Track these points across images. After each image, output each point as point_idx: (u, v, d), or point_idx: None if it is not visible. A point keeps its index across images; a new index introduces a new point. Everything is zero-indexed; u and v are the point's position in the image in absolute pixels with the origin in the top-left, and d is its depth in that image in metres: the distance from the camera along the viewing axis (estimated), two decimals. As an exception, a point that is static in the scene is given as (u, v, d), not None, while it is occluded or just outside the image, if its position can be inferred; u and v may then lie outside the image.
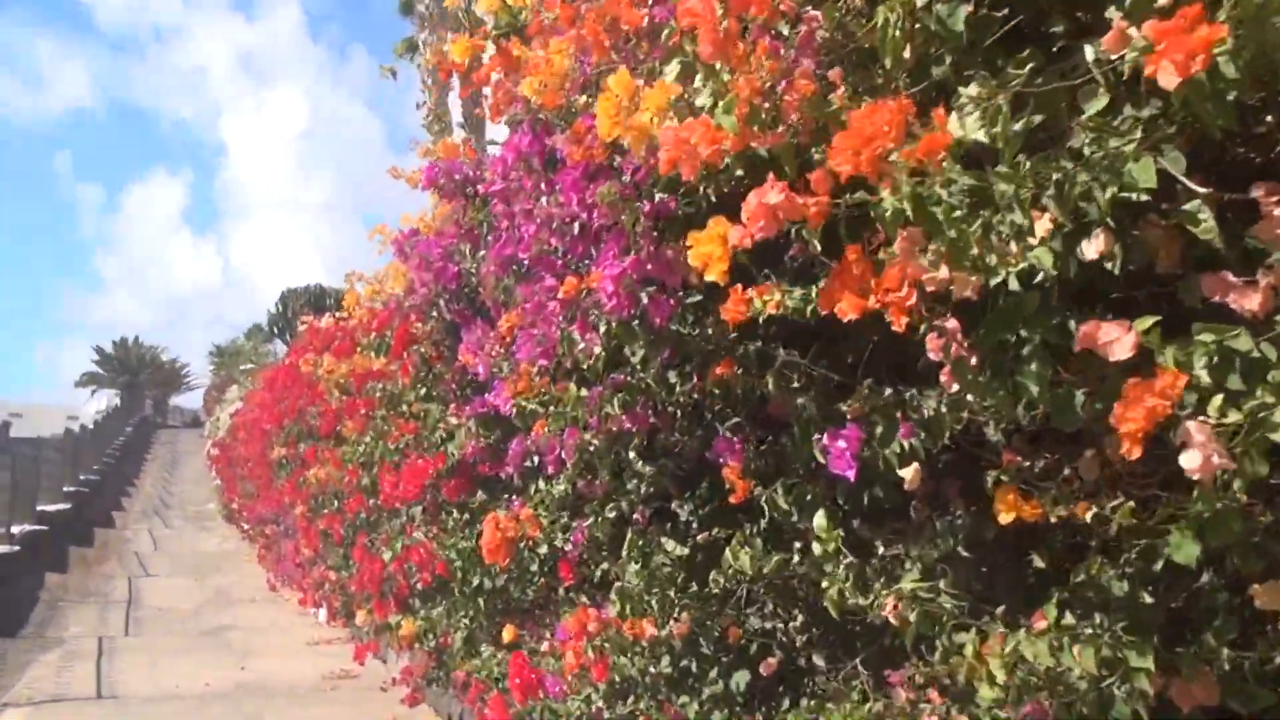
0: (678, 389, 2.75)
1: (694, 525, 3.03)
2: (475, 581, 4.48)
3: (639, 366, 2.74)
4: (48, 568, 15.11)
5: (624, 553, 3.01)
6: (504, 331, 3.39)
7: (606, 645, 3.02)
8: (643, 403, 2.79)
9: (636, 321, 2.61)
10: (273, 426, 10.39)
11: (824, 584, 2.30)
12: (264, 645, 10.86)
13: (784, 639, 2.89)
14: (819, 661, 2.81)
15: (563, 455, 2.97)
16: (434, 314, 3.97)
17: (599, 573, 3.53)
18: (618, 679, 3.26)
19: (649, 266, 2.49)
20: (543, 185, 2.95)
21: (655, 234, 2.53)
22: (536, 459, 3.47)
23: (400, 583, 5.95)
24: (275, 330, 30.23)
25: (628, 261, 2.49)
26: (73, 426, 24.02)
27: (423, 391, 4.81)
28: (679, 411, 2.86)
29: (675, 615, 2.88)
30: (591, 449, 2.92)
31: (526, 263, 3.28)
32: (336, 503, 7.74)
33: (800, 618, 2.84)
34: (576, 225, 2.71)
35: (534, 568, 3.98)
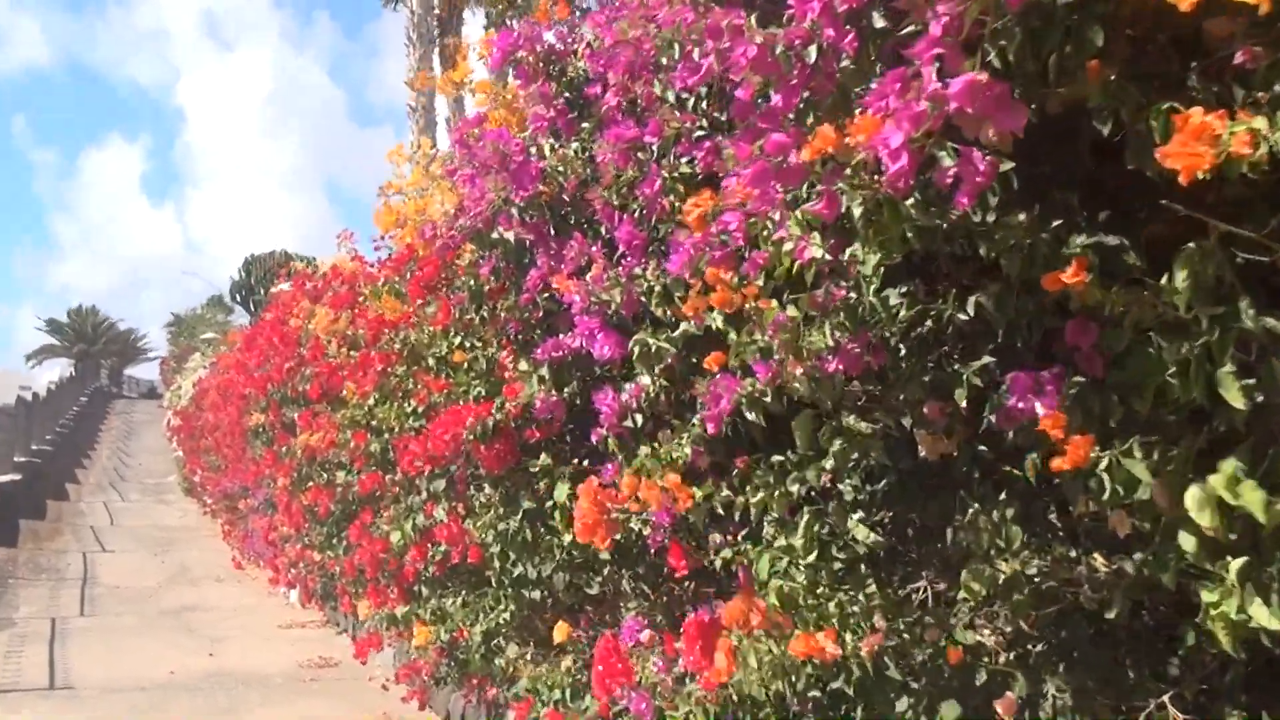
0: (901, 314, 1.96)
1: (874, 504, 2.29)
2: (517, 570, 3.72)
3: (869, 278, 1.94)
4: (-4, 542, 14.13)
5: (798, 539, 2.24)
6: (627, 244, 2.61)
7: (760, 657, 2.25)
8: (864, 336, 1.99)
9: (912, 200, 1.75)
10: (253, 390, 9.42)
11: (1211, 596, 1.55)
12: (232, 628, 10.03)
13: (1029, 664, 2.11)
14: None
15: (731, 404, 2.18)
16: (495, 235, 3.15)
17: (719, 561, 2.76)
18: (735, 697, 2.50)
19: (970, 105, 1.55)
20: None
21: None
22: (638, 418, 2.70)
23: (406, 568, 5.16)
24: (239, 298, 29.07)
25: (927, 96, 1.56)
26: (25, 396, 22.85)
27: (457, 340, 3.98)
28: (903, 347, 2.06)
29: (863, 625, 2.13)
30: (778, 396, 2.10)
31: (656, 148, 2.52)
32: (325, 475, 6.89)
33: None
34: (814, 50, 1.86)
35: (606, 557, 3.22)
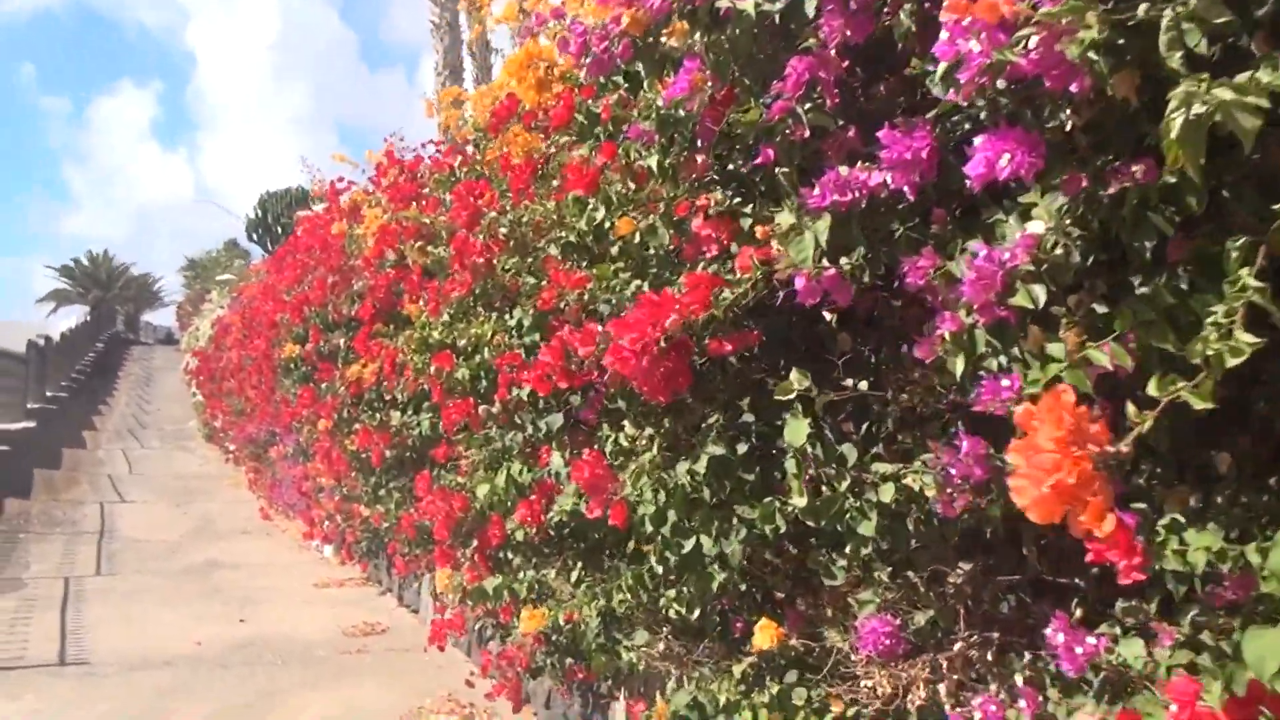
0: None
1: None
2: (687, 544, 2.60)
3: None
4: (7, 493, 13.14)
5: None
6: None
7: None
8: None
9: None
10: (285, 316, 8.18)
11: None
12: (264, 588, 9.02)
13: None
14: None
15: None
16: (720, 4, 1.95)
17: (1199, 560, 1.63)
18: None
19: None
20: None
21: None
22: (1038, 293, 1.55)
23: (490, 530, 4.04)
24: (255, 236, 27.84)
25: None
26: (37, 341, 21.88)
27: (603, 209, 2.79)
28: None
29: None
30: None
31: None
32: (377, 416, 5.73)
33: None
34: None
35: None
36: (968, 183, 1.68)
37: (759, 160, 2.11)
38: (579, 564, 3.77)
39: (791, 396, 2.14)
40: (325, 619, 7.86)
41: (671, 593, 2.97)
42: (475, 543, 4.38)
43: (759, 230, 2.14)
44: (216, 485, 15.78)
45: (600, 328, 2.49)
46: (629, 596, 3.25)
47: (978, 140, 1.62)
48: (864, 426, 2.48)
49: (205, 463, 18.21)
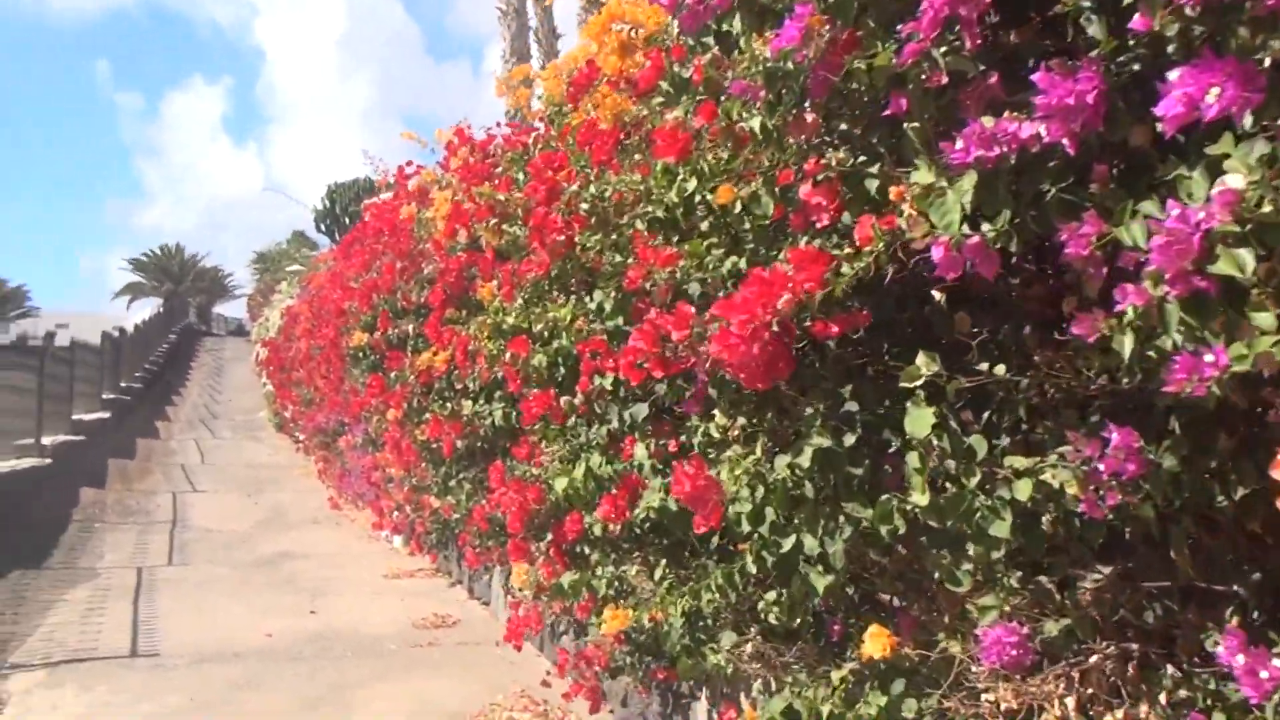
0: None
1: None
2: (786, 543, 2.37)
3: None
4: (83, 482, 13.29)
5: None
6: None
7: None
8: None
9: None
10: (353, 304, 8.00)
11: None
12: (334, 579, 8.96)
13: None
14: None
15: None
16: None
17: None
18: None
19: None
20: None
21: None
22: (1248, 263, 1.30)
23: (567, 524, 3.85)
24: (323, 227, 27.95)
25: None
26: (112, 333, 22.21)
27: (690, 179, 2.56)
28: None
29: None
30: None
31: None
32: (448, 405, 5.56)
33: None
34: None
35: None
36: (1133, 137, 1.45)
37: (888, 112, 1.87)
38: (662, 561, 3.57)
39: (919, 383, 1.90)
40: (395, 611, 7.75)
41: (770, 595, 2.75)
42: (550, 536, 4.19)
43: (893, 191, 1.88)
44: (286, 475, 15.85)
45: (693, 309, 2.27)
46: (718, 597, 3.04)
47: (1173, 74, 1.37)
48: (984, 416, 2.24)
49: (275, 452, 18.33)
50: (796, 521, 2.41)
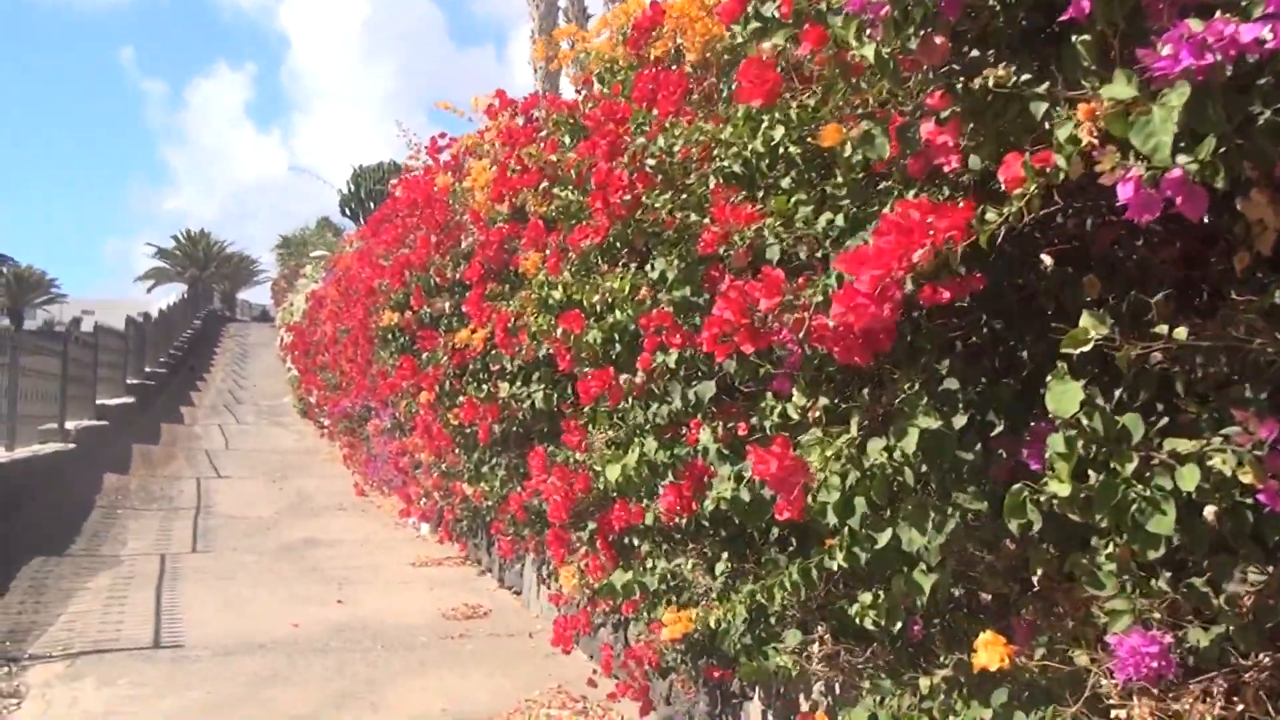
0: None
1: None
2: (883, 537, 2.08)
3: None
4: (107, 468, 13.14)
5: None
6: None
7: None
8: None
9: None
10: (384, 282, 7.63)
11: None
12: (360, 566, 8.74)
13: None
14: None
15: None
16: None
17: None
18: None
19: None
20: None
21: None
22: None
23: (614, 516, 3.57)
24: (348, 211, 27.75)
25: None
26: (136, 318, 22.10)
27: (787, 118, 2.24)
28: None
29: None
30: None
31: None
32: (483, 387, 5.24)
33: None
34: None
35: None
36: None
37: (1067, 15, 1.56)
38: (723, 554, 3.28)
39: (1085, 349, 1.60)
40: (424, 600, 7.52)
41: (866, 597, 2.45)
42: (594, 526, 3.91)
43: (1081, 109, 1.54)
44: (311, 460, 15.67)
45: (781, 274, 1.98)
46: (791, 595, 2.75)
47: None
48: (1115, 395, 1.95)
49: (300, 438, 18.17)
50: (899, 514, 2.12)
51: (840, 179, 2.23)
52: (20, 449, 11.13)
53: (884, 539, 2.13)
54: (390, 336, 8.00)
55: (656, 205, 2.93)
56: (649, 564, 3.57)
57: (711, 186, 2.65)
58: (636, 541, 3.80)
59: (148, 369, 21.71)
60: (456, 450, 6.73)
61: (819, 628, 3.10)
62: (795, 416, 2.43)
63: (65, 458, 12.20)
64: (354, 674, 5.76)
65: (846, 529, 2.22)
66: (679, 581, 3.49)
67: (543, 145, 4.02)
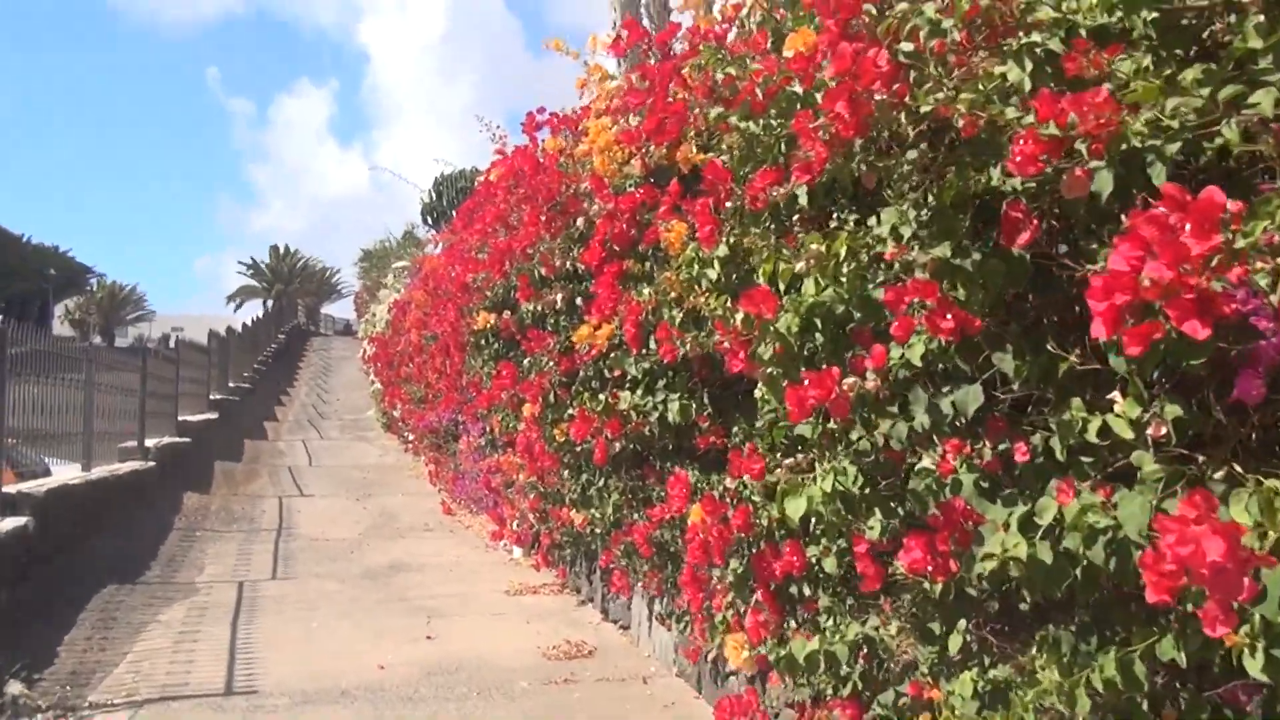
0: None
1: None
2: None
3: None
4: (187, 487, 12.66)
5: None
6: None
7: None
8: None
9: None
10: (480, 277, 6.61)
11: None
12: (451, 595, 8.00)
13: None
14: None
15: None
16: None
17: None
18: None
19: None
20: None
21: None
22: None
23: (780, 562, 2.73)
24: (429, 220, 27.33)
25: None
26: (219, 332, 21.85)
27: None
28: None
29: None
30: None
31: None
32: (599, 398, 4.35)
33: None
34: None
35: None
36: None
37: None
38: (983, 625, 2.39)
39: None
40: (522, 637, 6.74)
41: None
42: (749, 569, 3.06)
43: None
44: (396, 477, 15.09)
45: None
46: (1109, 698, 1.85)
47: None
48: None
49: (384, 453, 17.65)
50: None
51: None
52: (98, 468, 10.64)
53: None
54: (484, 342, 7.13)
55: (937, 99, 1.96)
56: (838, 624, 2.71)
57: (1029, 68, 1.75)
58: (808, 590, 2.94)
59: (231, 384, 21.41)
60: (564, 471, 5.88)
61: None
62: (1127, 435, 1.58)
63: (144, 477, 11.72)
64: (448, 730, 5.01)
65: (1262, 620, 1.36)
66: (875, 648, 2.63)
67: (693, 84, 3.09)
